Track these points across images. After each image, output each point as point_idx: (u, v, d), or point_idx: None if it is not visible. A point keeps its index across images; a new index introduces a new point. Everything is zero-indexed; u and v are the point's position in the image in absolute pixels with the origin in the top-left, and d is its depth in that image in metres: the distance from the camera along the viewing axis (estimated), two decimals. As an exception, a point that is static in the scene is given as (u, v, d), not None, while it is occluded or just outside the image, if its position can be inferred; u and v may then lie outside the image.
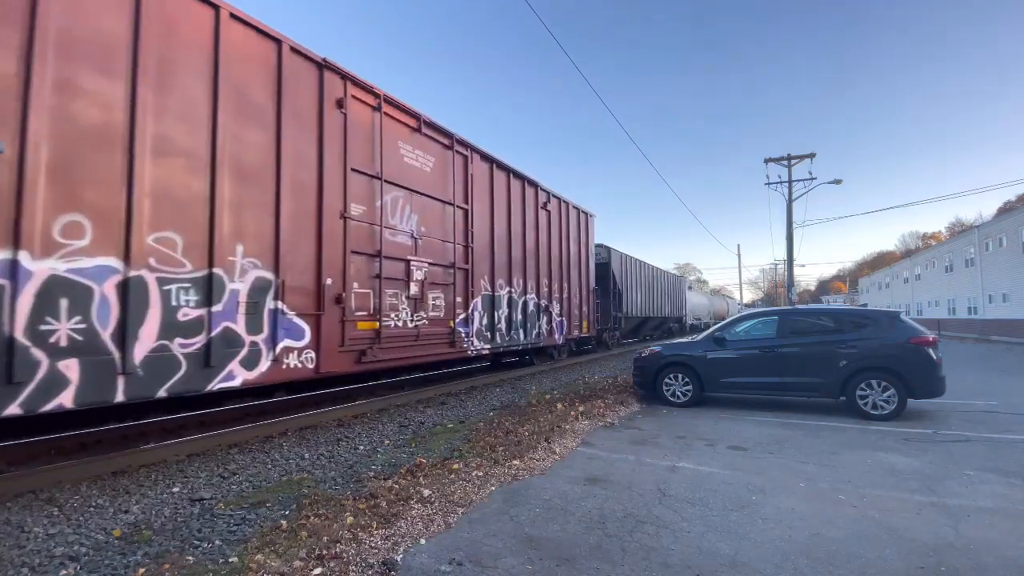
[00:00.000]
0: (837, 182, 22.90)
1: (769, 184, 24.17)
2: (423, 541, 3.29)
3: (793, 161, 23.31)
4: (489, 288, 9.75)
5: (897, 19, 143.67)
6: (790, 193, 23.49)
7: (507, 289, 10.41)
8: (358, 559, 3.01)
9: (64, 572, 2.92)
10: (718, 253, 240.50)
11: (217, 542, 3.30)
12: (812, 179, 23.31)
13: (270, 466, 4.97)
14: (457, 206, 8.87)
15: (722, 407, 8.09)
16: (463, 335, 8.83)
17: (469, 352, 9.09)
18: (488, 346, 9.64)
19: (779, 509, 3.83)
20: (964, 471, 4.72)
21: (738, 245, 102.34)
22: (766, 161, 23.99)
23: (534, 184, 11.84)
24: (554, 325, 12.48)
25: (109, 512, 3.78)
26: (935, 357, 7.02)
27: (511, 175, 10.85)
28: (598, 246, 17.25)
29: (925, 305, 43.99)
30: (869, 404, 7.06)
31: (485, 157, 9.93)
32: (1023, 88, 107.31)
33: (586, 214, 14.79)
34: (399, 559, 3.03)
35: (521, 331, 10.89)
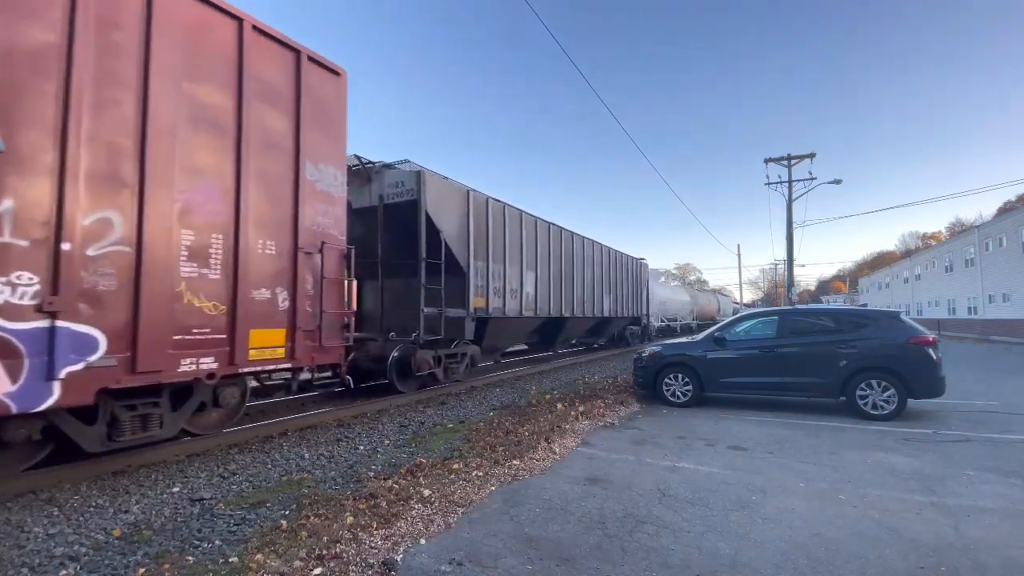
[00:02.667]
0: (837, 182, 22.90)
1: (769, 184, 24.18)
2: (423, 541, 3.28)
3: (793, 161, 23.30)
4: None
5: (898, 19, 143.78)
6: (790, 193, 23.49)
7: None
8: (358, 559, 3.00)
9: (64, 572, 2.92)
10: (718, 253, 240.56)
11: (217, 542, 3.30)
12: (812, 179, 23.33)
13: (270, 466, 4.97)
14: None
15: (722, 407, 8.09)
16: None
17: None
18: None
19: (779, 509, 3.82)
20: (964, 471, 4.72)
21: (738, 245, 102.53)
22: (766, 161, 23.99)
23: None
24: None
25: (109, 512, 3.78)
26: (935, 357, 7.02)
27: None
28: (398, 165, 9.12)
29: (925, 305, 43.99)
30: (869, 404, 7.06)
31: None
32: (1023, 88, 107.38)
33: (296, 52, 6.08)
34: (399, 559, 3.03)
35: None
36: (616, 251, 18.66)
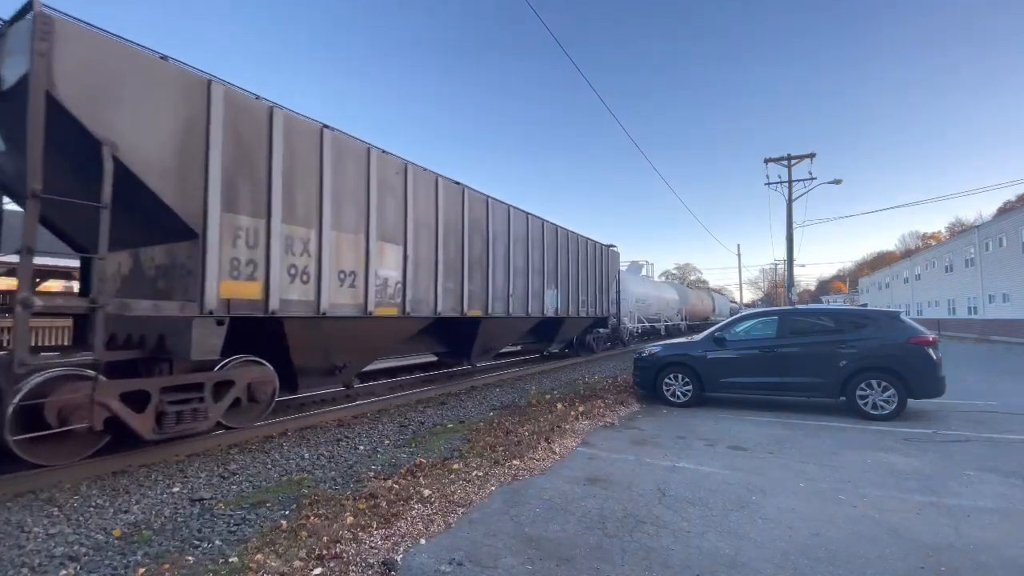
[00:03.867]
0: (837, 182, 22.89)
1: (769, 184, 24.14)
2: (423, 541, 3.29)
3: (793, 161, 23.29)
4: None
5: (898, 18, 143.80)
6: (790, 193, 23.47)
7: None
8: (358, 559, 3.00)
9: (64, 572, 2.92)
10: (718, 253, 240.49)
11: (217, 542, 3.30)
12: (812, 179, 23.29)
13: (270, 466, 4.97)
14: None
15: (722, 407, 8.09)
16: None
17: None
18: None
19: (779, 509, 3.82)
20: (964, 471, 4.72)
21: (738, 245, 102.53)
22: (766, 161, 23.97)
23: None
24: None
25: (109, 512, 3.78)
26: (935, 357, 7.02)
27: None
28: (22, 19, 4.17)
29: (925, 305, 43.98)
30: (869, 404, 7.06)
31: None
32: (1023, 88, 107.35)
33: None
34: (399, 559, 3.03)
35: None
36: (568, 231, 13.87)
